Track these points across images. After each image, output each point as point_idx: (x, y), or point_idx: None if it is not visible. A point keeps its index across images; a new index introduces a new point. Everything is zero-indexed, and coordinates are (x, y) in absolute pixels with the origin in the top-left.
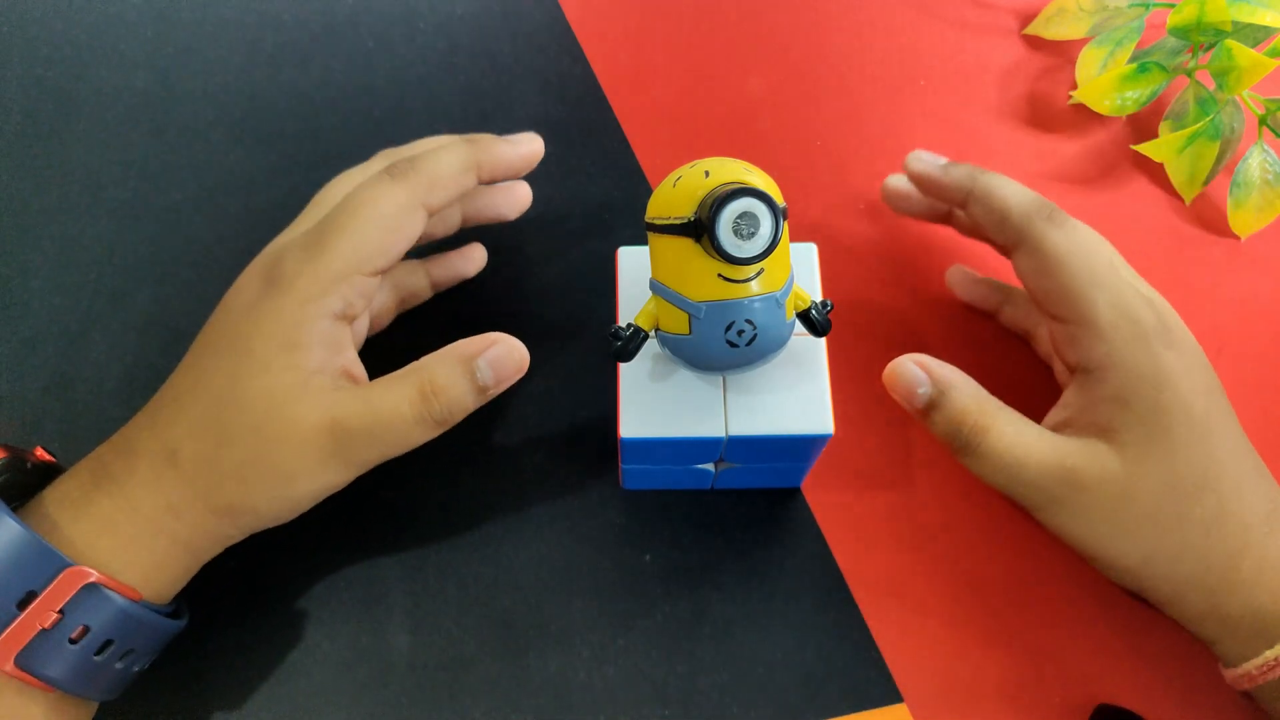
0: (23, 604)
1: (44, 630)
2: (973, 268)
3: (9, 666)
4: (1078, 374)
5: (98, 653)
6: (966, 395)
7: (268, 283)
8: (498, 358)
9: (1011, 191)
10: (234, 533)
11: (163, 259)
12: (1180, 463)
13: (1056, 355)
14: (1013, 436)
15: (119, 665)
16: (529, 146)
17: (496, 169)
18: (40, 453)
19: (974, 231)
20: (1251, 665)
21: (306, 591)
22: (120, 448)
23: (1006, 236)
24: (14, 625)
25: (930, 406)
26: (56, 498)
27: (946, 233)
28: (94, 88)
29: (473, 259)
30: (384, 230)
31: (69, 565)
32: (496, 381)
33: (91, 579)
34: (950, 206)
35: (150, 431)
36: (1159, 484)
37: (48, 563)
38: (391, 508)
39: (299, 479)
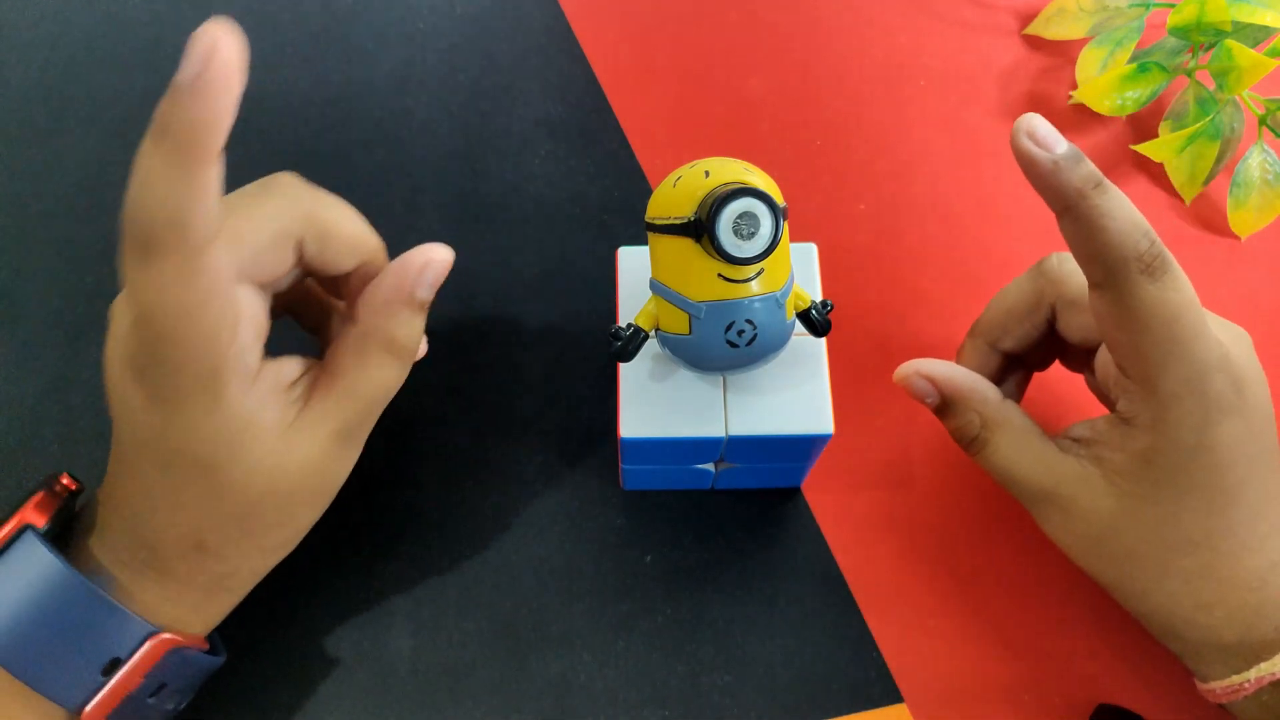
0: (107, 670)
1: (130, 694)
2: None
3: None
4: (1117, 416)
5: (169, 704)
6: (971, 408)
7: (155, 401)
8: (434, 279)
9: (1116, 228)
10: (290, 550)
11: None
12: (1182, 522)
13: (1104, 386)
14: (1008, 453)
15: (181, 709)
16: (211, 72)
17: (196, 142)
18: (67, 481)
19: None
20: (1218, 685)
21: (307, 595)
22: (143, 539)
23: (1093, 273)
24: (105, 693)
25: (939, 411)
26: (113, 559)
27: (946, 234)
28: (93, 89)
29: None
30: (180, 317)
31: (154, 632)
32: (432, 293)
33: (174, 643)
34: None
35: (162, 531)
36: (1148, 534)
37: (133, 631)
38: (391, 511)
39: (333, 486)
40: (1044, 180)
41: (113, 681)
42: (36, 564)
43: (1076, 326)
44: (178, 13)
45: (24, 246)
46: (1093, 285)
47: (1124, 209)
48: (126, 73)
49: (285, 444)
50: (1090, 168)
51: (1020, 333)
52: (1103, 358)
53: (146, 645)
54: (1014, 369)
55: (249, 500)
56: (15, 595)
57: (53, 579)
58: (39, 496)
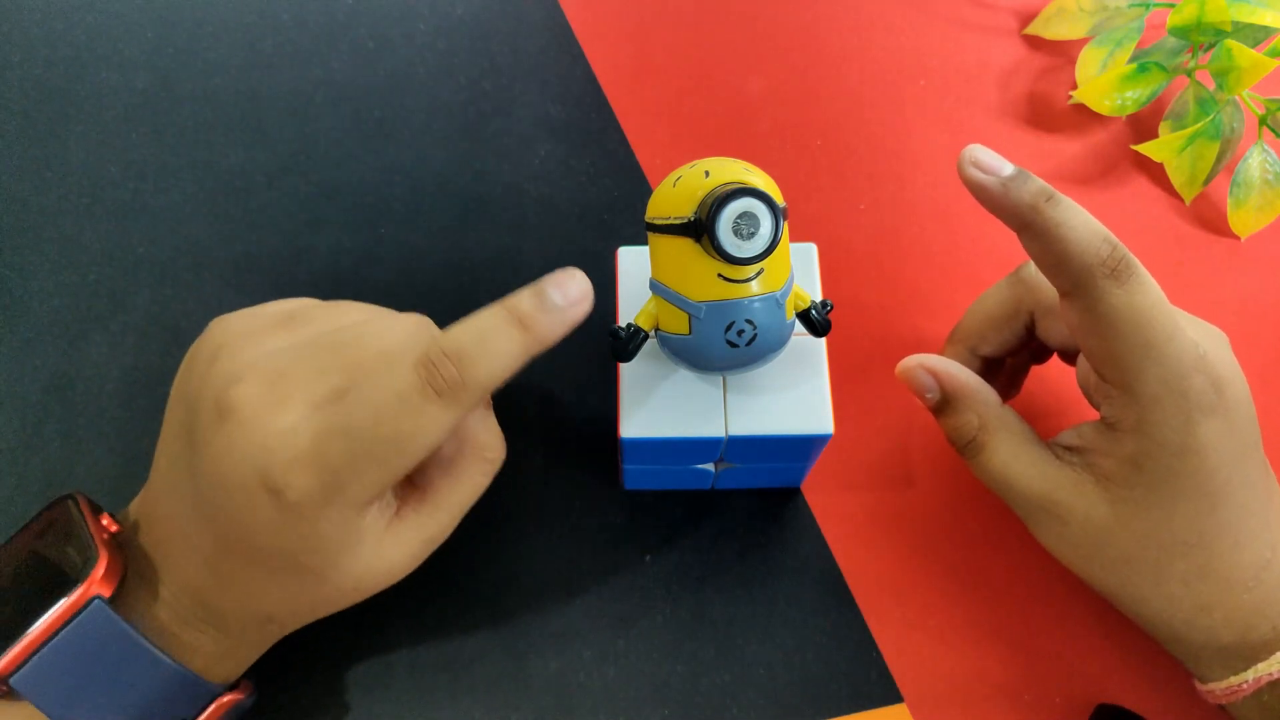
0: None
1: None
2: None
3: None
4: (1102, 422)
5: None
6: (971, 408)
7: (286, 508)
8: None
9: (1076, 236)
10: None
11: (163, 259)
12: (1175, 525)
13: (1086, 393)
14: (1005, 457)
15: None
16: (579, 309)
17: (545, 347)
18: (108, 523)
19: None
20: (1217, 686)
21: None
22: (214, 610)
23: (1060, 283)
24: None
25: (938, 409)
26: (172, 616)
27: (946, 234)
28: (94, 88)
29: None
30: (421, 454)
31: (219, 695)
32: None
33: (235, 700)
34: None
35: (237, 606)
36: (1144, 538)
37: (202, 695)
38: None
39: (400, 578)
40: (997, 202)
41: None
42: (112, 637)
43: (1056, 332)
44: (178, 12)
45: (26, 245)
46: (1062, 295)
47: (1080, 217)
48: (128, 72)
49: (378, 552)
50: (1040, 183)
51: (999, 339)
52: (1083, 364)
53: (213, 707)
54: (994, 372)
55: (329, 594)
56: (94, 669)
57: (132, 652)
58: (104, 563)
